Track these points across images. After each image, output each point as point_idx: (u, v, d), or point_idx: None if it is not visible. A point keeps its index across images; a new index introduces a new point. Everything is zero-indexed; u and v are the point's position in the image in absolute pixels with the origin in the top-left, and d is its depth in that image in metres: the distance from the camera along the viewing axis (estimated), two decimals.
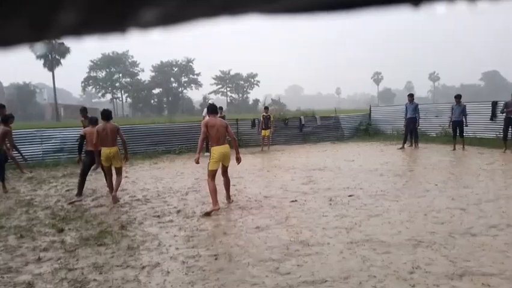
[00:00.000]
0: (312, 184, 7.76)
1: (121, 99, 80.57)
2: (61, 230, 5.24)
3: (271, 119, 14.67)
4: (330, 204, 6.16)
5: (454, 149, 12.06)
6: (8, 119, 8.32)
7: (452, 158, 10.90)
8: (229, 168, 6.29)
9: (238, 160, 6.23)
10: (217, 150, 6.00)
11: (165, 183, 8.46)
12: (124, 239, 4.84)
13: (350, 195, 6.63)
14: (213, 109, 6.33)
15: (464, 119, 12.07)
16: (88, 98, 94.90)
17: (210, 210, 5.84)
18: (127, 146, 7.27)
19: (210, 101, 14.66)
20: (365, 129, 18.53)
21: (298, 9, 0.29)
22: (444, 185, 7.34)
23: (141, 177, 9.17)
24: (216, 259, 4.10)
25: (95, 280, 3.69)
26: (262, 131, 14.37)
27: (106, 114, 6.86)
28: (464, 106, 12.17)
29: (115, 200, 6.66)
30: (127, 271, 3.88)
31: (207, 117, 6.33)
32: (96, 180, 8.57)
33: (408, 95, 13.71)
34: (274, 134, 15.46)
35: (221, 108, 14.91)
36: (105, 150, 6.72)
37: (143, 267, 3.94)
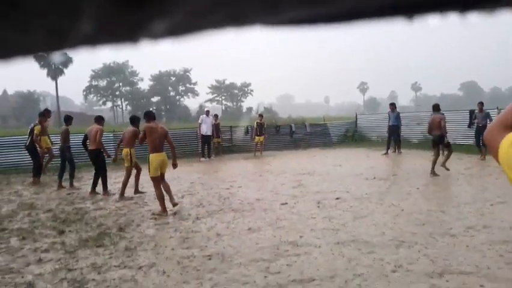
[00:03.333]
0: (301, 188, 7.77)
1: (121, 107, 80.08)
2: (62, 232, 5.17)
3: (265, 125, 14.68)
4: (319, 206, 6.16)
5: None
6: (70, 119, 8.69)
7: None
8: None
9: (175, 166, 6.18)
10: (156, 158, 5.94)
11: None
12: (122, 240, 4.79)
13: (337, 198, 6.64)
14: (151, 115, 6.17)
15: None
16: (90, 105, 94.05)
17: (157, 213, 5.91)
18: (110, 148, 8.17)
19: (205, 109, 14.64)
20: (352, 136, 18.59)
21: (301, 21, 0.28)
22: (425, 188, 7.38)
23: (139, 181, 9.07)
24: (209, 259, 4.08)
25: (93, 280, 3.65)
26: (256, 137, 14.37)
27: (132, 120, 8.00)
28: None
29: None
30: (124, 271, 3.83)
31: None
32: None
33: (389, 104, 13.79)
34: (266, 140, 15.46)
35: (216, 115, 14.89)
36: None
37: (140, 268, 3.90)
